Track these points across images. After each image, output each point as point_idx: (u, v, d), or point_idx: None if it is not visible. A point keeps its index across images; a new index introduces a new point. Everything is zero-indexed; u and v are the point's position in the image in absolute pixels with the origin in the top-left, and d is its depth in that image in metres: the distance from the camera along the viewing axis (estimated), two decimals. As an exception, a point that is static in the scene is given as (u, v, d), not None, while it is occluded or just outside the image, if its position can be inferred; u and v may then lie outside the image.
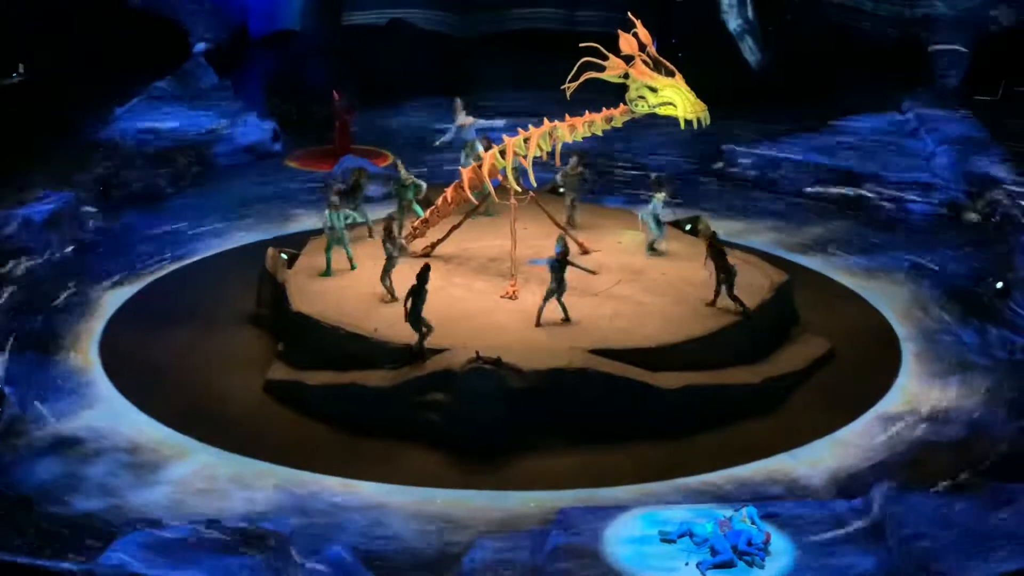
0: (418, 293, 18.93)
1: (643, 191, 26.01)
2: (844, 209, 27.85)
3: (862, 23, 37.57)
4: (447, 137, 24.59)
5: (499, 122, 23.56)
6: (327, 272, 21.68)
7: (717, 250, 20.38)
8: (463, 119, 24.03)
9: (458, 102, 24.56)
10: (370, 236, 22.68)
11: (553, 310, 19.95)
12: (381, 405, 18.98)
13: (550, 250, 20.56)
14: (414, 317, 18.96)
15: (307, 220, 26.82)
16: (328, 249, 21.82)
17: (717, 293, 20.35)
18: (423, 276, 19.00)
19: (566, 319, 19.81)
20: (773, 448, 18.69)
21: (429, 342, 19.14)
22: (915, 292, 23.78)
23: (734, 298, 20.27)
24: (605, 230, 23.47)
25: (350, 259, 21.86)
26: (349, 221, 22.04)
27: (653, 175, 22.85)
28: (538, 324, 19.80)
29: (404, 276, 20.84)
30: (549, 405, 18.65)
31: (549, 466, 18.29)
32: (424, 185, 23.17)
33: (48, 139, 29.12)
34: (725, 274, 20.23)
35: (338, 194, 22.51)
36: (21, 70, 30.93)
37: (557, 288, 19.70)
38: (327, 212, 21.83)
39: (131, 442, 18.79)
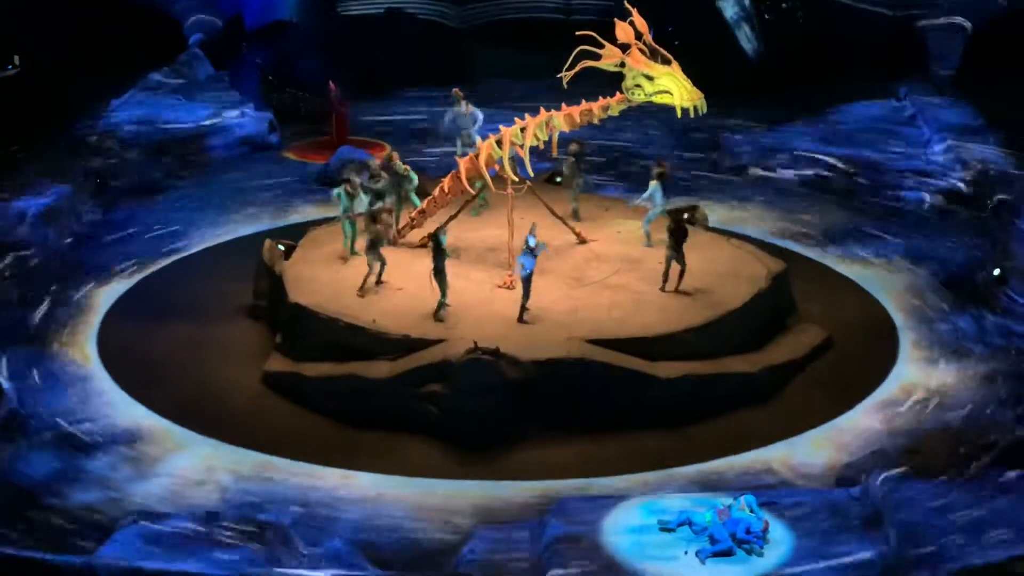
0: (437, 254, 19.41)
1: (635, 181, 26.20)
2: (841, 197, 27.81)
3: (859, 10, 37.53)
4: (446, 119, 24.42)
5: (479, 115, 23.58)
6: (349, 246, 21.76)
7: (681, 229, 20.35)
8: (463, 108, 23.87)
9: (456, 91, 24.44)
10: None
11: (552, 300, 19.94)
12: (379, 396, 18.98)
13: (547, 240, 20.58)
14: (437, 274, 19.46)
15: (304, 211, 26.83)
16: (346, 226, 21.83)
17: (679, 276, 20.40)
18: (437, 238, 19.56)
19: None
20: (771, 437, 18.72)
21: (426, 333, 19.17)
22: (912, 280, 23.79)
23: (666, 275, 20.43)
24: (603, 220, 23.45)
25: (352, 245, 21.83)
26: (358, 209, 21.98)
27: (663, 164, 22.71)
28: (520, 317, 19.76)
29: (402, 265, 20.92)
30: (547, 395, 18.66)
31: (547, 456, 18.30)
32: (416, 178, 23.01)
33: (44, 132, 29.07)
34: (676, 252, 20.32)
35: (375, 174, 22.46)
36: (16, 62, 30.88)
37: (527, 280, 19.66)
38: (339, 193, 21.81)
39: (130, 435, 18.80)
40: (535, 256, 19.55)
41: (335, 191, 22.02)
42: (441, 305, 19.68)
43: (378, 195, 22.19)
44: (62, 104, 30.66)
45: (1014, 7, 34.43)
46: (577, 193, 23.41)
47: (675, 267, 20.49)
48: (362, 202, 21.80)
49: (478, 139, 22.21)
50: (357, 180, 22.22)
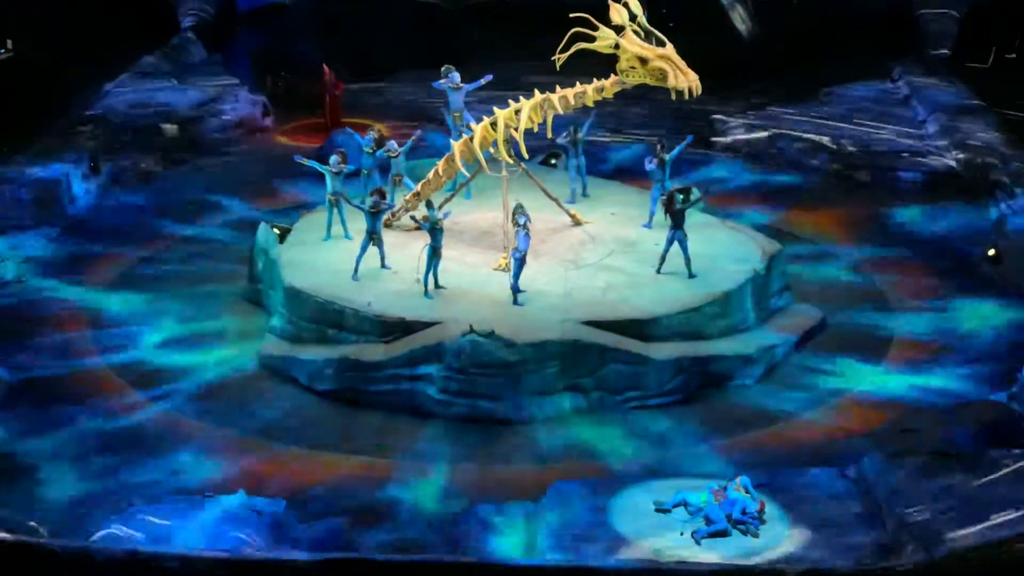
0: (433, 232, 19.62)
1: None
2: (835, 178, 27.82)
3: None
4: (442, 85, 24.12)
5: (487, 77, 23.27)
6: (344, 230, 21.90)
7: (677, 210, 20.36)
8: (455, 82, 23.66)
9: (448, 67, 24.25)
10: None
11: (547, 282, 19.94)
12: (375, 378, 18.99)
13: (542, 222, 20.56)
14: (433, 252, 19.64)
15: (298, 195, 26.79)
16: (329, 214, 21.92)
17: (686, 262, 20.41)
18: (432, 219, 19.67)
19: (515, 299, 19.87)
20: (766, 418, 18.76)
21: (421, 316, 19.24)
22: (907, 260, 23.81)
23: (663, 257, 20.46)
24: (598, 201, 23.44)
25: (344, 227, 21.87)
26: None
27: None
28: (515, 300, 19.75)
29: (397, 247, 20.91)
30: (542, 377, 18.67)
31: (543, 438, 18.34)
32: (403, 160, 23.00)
33: (37, 115, 29.00)
34: (676, 231, 20.34)
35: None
36: (9, 46, 30.75)
37: (520, 260, 19.67)
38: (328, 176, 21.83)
39: (125, 417, 18.79)
40: (528, 235, 19.53)
41: (332, 159, 22.05)
42: (424, 282, 19.72)
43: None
44: (55, 88, 30.57)
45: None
46: (577, 174, 23.35)
47: (677, 251, 20.47)
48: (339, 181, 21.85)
49: (472, 121, 22.16)
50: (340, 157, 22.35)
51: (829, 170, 28.04)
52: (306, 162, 22.47)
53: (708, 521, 15.19)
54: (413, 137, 23.33)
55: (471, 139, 21.18)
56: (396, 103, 32.94)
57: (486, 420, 18.54)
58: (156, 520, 15.10)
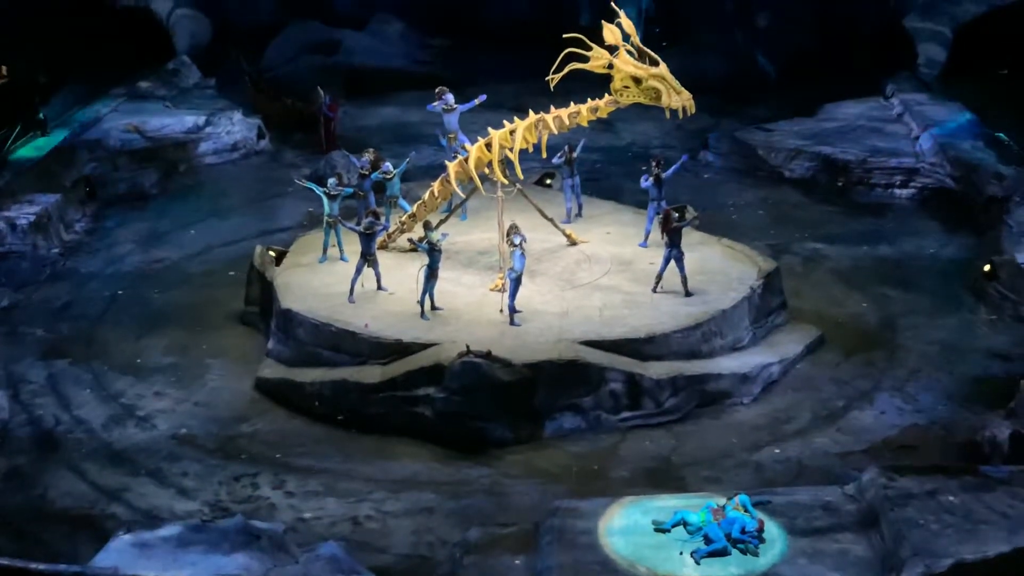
0: (432, 253, 19.58)
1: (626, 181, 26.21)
2: (831, 195, 27.90)
3: (847, 8, 37.66)
4: (436, 107, 24.11)
5: (481, 98, 23.29)
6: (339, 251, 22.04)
7: (674, 228, 20.36)
8: (449, 104, 23.72)
9: (442, 89, 24.31)
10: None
11: (543, 302, 19.93)
12: (372, 400, 18.98)
13: (538, 242, 20.54)
14: (430, 273, 19.58)
15: (294, 217, 26.81)
16: (326, 236, 22.00)
17: (683, 282, 20.44)
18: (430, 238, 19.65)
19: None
20: (763, 436, 18.75)
21: (418, 337, 19.22)
22: (903, 276, 23.85)
23: (659, 276, 20.48)
24: (594, 220, 23.48)
25: (340, 249, 21.90)
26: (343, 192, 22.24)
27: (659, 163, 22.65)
28: (511, 320, 19.75)
29: (393, 269, 20.93)
30: (539, 397, 18.67)
31: (541, 457, 18.33)
32: (398, 181, 23.05)
33: (32, 140, 29.04)
34: (672, 250, 20.38)
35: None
36: (4, 72, 30.81)
37: (516, 280, 19.65)
38: (324, 199, 21.87)
39: (122, 442, 18.76)
40: (524, 255, 19.53)
41: (330, 181, 22.15)
42: (421, 303, 19.71)
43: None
44: (51, 113, 30.62)
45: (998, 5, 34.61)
46: (572, 194, 23.39)
47: (673, 270, 20.48)
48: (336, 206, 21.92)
49: (467, 142, 22.18)
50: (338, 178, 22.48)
51: (825, 186, 28.12)
52: (305, 184, 22.57)
53: (707, 540, 15.14)
54: (407, 159, 23.37)
55: (466, 160, 21.22)
56: (390, 124, 33.01)
57: (483, 440, 18.51)
58: (154, 544, 15.02)
